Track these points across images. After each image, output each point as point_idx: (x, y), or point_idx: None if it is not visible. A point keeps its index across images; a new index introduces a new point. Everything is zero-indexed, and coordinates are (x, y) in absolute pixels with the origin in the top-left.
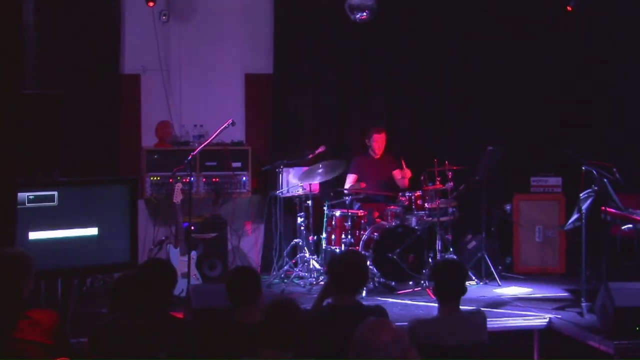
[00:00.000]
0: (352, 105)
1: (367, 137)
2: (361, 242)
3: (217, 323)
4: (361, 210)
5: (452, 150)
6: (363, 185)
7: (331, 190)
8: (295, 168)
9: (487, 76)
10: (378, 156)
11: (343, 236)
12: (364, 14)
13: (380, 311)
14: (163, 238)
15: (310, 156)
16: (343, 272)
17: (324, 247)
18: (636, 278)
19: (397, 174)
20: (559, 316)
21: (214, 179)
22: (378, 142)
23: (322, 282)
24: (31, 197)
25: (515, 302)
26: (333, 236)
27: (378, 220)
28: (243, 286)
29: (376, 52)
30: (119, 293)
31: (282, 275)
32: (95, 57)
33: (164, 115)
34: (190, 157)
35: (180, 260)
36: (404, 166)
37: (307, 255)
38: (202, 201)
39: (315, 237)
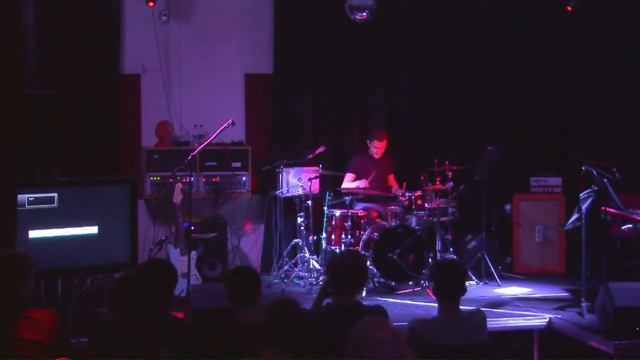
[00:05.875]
0: (352, 106)
1: (369, 138)
2: (361, 242)
3: (217, 323)
4: (361, 210)
5: (452, 150)
6: (367, 184)
7: (332, 189)
8: (296, 168)
9: (487, 76)
10: (377, 157)
11: (343, 236)
12: (364, 14)
13: (380, 311)
14: (163, 238)
15: (310, 156)
16: (343, 272)
17: (324, 247)
18: (636, 278)
19: (391, 180)
20: (559, 316)
21: (214, 179)
22: (378, 148)
23: (322, 282)
24: (31, 199)
25: (515, 302)
26: (333, 236)
27: (378, 220)
28: (243, 286)
29: (376, 52)
30: (119, 293)
31: (282, 275)
32: (95, 57)
33: (164, 115)
34: (190, 157)
35: (180, 260)
36: (404, 187)
37: (307, 255)
38: (202, 201)
39: (315, 237)
